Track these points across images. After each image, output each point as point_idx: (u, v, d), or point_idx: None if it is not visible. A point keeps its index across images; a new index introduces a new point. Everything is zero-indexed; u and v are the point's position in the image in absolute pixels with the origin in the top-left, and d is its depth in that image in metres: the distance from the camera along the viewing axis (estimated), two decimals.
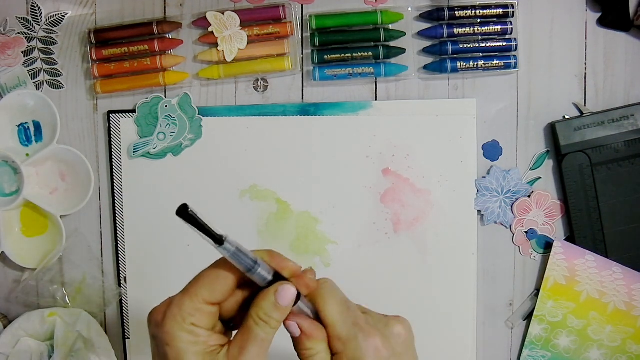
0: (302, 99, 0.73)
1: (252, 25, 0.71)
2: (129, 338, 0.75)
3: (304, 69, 0.73)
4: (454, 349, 0.74)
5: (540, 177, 0.73)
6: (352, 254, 0.73)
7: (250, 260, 0.40)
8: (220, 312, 0.43)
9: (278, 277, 0.41)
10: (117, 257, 0.74)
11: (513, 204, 0.72)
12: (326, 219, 0.73)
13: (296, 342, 0.42)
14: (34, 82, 0.74)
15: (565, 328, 0.72)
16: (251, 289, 0.42)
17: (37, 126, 0.74)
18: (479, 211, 0.73)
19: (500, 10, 0.71)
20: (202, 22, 0.72)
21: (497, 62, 0.71)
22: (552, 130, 0.71)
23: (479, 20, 0.71)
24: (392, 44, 0.72)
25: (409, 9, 0.72)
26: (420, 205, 0.73)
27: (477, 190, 0.72)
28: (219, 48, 0.71)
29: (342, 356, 0.42)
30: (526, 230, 0.73)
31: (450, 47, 0.71)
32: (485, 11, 0.71)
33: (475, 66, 0.71)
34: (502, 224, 0.73)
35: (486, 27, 0.71)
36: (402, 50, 0.71)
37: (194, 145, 0.73)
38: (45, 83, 0.74)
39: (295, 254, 0.73)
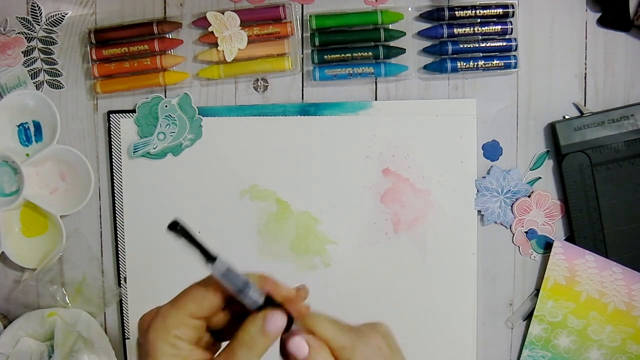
0: (302, 99, 0.73)
1: (252, 25, 0.71)
2: (129, 338, 0.75)
3: (304, 69, 0.73)
4: (454, 349, 0.74)
5: (540, 177, 0.73)
6: (352, 254, 0.73)
7: (241, 281, 0.39)
8: (209, 323, 0.42)
9: (269, 302, 0.40)
10: (117, 257, 0.74)
11: (513, 204, 0.72)
12: (326, 219, 0.73)
13: None
14: (34, 82, 0.74)
15: (565, 328, 0.72)
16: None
17: (37, 126, 0.74)
18: (479, 211, 0.73)
19: (500, 10, 0.71)
20: (202, 22, 0.72)
21: (497, 62, 0.71)
22: (552, 130, 0.71)
23: (479, 20, 0.71)
24: (392, 44, 0.72)
25: (409, 9, 0.72)
26: (420, 205, 0.73)
27: (477, 190, 0.72)
28: (219, 48, 0.71)
29: None
30: (526, 230, 0.73)
31: (450, 47, 0.71)
32: (485, 11, 0.71)
33: (475, 66, 0.71)
34: (502, 224, 0.73)
35: (486, 27, 0.71)
36: (402, 50, 0.71)
37: (194, 145, 0.73)
38: (45, 83, 0.74)
39: (295, 254, 0.73)
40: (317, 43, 0.71)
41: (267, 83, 0.73)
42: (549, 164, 0.73)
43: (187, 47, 0.73)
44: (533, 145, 0.73)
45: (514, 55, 0.71)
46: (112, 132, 0.73)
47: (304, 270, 0.74)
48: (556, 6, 0.72)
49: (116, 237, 0.74)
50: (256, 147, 0.73)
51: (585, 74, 0.72)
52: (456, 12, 0.70)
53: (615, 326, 0.71)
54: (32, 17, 0.73)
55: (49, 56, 0.74)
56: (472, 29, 0.71)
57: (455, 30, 0.71)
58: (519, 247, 0.73)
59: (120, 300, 0.75)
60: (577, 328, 0.72)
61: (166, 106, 0.72)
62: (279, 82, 0.73)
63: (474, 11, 0.71)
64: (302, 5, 0.72)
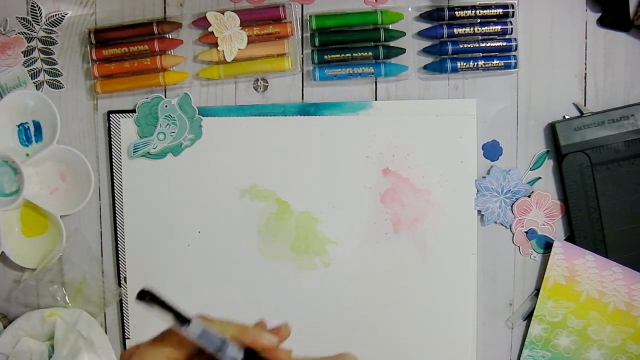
0: (302, 99, 0.73)
1: (252, 25, 0.71)
2: (129, 338, 0.75)
3: (304, 69, 0.73)
4: (454, 349, 0.74)
5: (540, 177, 0.73)
6: (352, 254, 0.73)
7: (219, 340, 0.39)
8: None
9: (249, 356, 0.40)
10: (117, 257, 0.74)
11: (513, 204, 0.72)
12: (326, 219, 0.73)
13: None
14: (34, 82, 0.74)
15: (565, 328, 0.72)
16: None
17: (37, 126, 0.74)
18: (479, 211, 0.73)
19: (500, 10, 0.71)
20: (202, 22, 0.72)
21: (497, 62, 0.71)
22: (552, 130, 0.71)
23: (479, 20, 0.71)
24: (392, 44, 0.72)
25: (409, 9, 0.72)
26: (420, 205, 0.73)
27: (477, 190, 0.72)
28: (219, 48, 0.71)
29: None
30: (526, 230, 0.73)
31: (450, 47, 0.71)
32: (485, 11, 0.71)
33: (475, 66, 0.71)
34: (502, 224, 0.73)
35: (486, 27, 0.71)
36: (402, 50, 0.71)
37: (194, 145, 0.73)
38: (45, 83, 0.74)
39: (295, 254, 0.73)
40: (317, 43, 0.71)
41: (267, 83, 0.73)
42: (549, 164, 0.73)
43: (187, 47, 0.73)
44: (533, 145, 0.73)
45: (514, 55, 0.71)
46: (112, 132, 0.73)
47: (304, 270, 0.74)
48: (556, 6, 0.72)
49: (116, 237, 0.74)
50: (256, 147, 0.73)
51: (585, 74, 0.72)
52: (456, 12, 0.70)
53: (615, 326, 0.71)
54: (32, 17, 0.73)
55: (49, 56, 0.74)
56: (472, 29, 0.71)
57: (455, 30, 0.71)
58: (519, 247, 0.73)
59: (120, 300, 0.75)
60: (577, 328, 0.72)
61: (166, 106, 0.72)
62: (279, 82, 0.73)
63: (474, 11, 0.71)
64: (302, 5, 0.72)
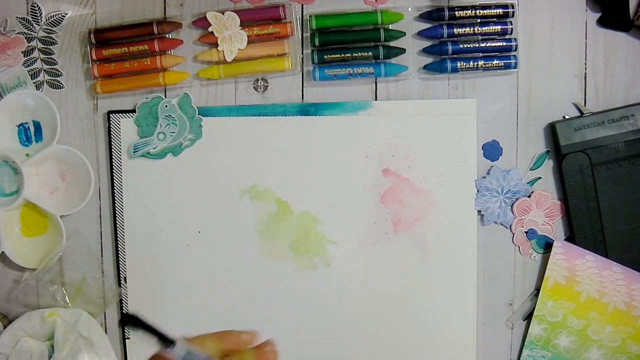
0: (302, 99, 0.73)
1: (252, 25, 0.71)
2: (129, 338, 0.75)
3: (304, 69, 0.73)
4: (454, 349, 0.74)
5: (540, 177, 0.73)
6: (352, 254, 0.73)
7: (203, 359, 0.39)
8: None
9: None
10: (117, 257, 0.74)
11: (513, 204, 0.72)
12: (326, 219, 0.73)
13: None
14: (34, 82, 0.74)
15: (565, 328, 0.72)
16: None
17: (37, 126, 0.74)
18: (479, 211, 0.73)
19: (500, 10, 0.71)
20: (202, 22, 0.72)
21: (497, 62, 0.71)
22: (552, 130, 0.71)
23: (479, 20, 0.71)
24: (392, 44, 0.72)
25: (409, 9, 0.72)
26: (420, 205, 0.73)
27: (477, 190, 0.72)
28: (219, 48, 0.71)
29: None
30: (526, 230, 0.73)
31: (450, 47, 0.71)
32: (485, 11, 0.71)
33: (475, 66, 0.71)
34: (502, 224, 0.73)
35: (486, 27, 0.71)
36: (402, 50, 0.71)
37: (194, 145, 0.73)
38: (45, 83, 0.74)
39: (295, 254, 0.73)
40: (317, 43, 0.71)
41: (267, 83, 0.73)
42: (549, 164, 0.73)
43: (187, 47, 0.73)
44: (533, 145, 0.73)
45: (514, 55, 0.71)
46: (112, 132, 0.73)
47: (304, 270, 0.74)
48: (556, 6, 0.72)
49: (116, 237, 0.74)
50: (256, 147, 0.73)
51: (585, 74, 0.72)
52: (456, 12, 0.70)
53: (615, 326, 0.71)
54: (32, 17, 0.73)
55: (49, 56, 0.74)
56: (472, 29, 0.71)
57: (455, 30, 0.71)
58: (519, 247, 0.73)
59: (120, 300, 0.75)
60: (577, 328, 0.72)
61: (166, 106, 0.72)
62: (279, 82, 0.73)
63: (474, 11, 0.71)
64: (302, 5, 0.72)
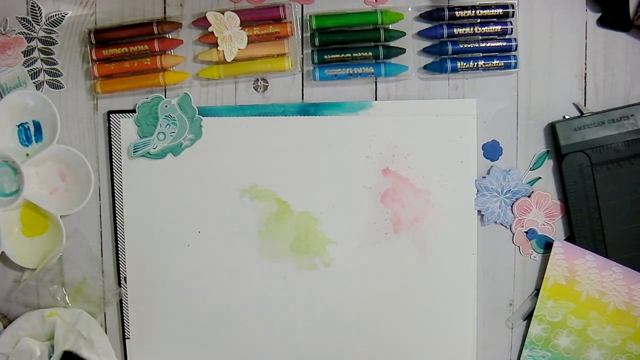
0: (302, 99, 0.73)
1: (252, 25, 0.71)
2: (129, 338, 0.75)
3: (304, 69, 0.73)
4: (454, 349, 0.74)
5: (540, 177, 0.73)
6: (352, 254, 0.73)
7: None
8: None
9: None
10: (117, 257, 0.74)
11: (513, 204, 0.72)
12: (326, 219, 0.73)
13: None
14: (34, 82, 0.74)
15: (565, 328, 0.72)
16: None
17: (37, 126, 0.74)
18: (479, 211, 0.73)
19: (500, 10, 0.71)
20: (202, 22, 0.72)
21: (497, 62, 0.71)
22: (552, 130, 0.71)
23: (479, 20, 0.71)
24: (392, 44, 0.72)
25: (409, 9, 0.72)
26: (420, 205, 0.73)
27: (477, 190, 0.72)
28: (219, 48, 0.71)
29: None
30: (526, 230, 0.73)
31: (450, 47, 0.71)
32: (485, 11, 0.71)
33: (475, 66, 0.71)
34: (502, 224, 0.73)
35: (486, 27, 0.71)
36: (402, 50, 0.71)
37: (194, 145, 0.73)
38: (45, 83, 0.74)
39: (295, 254, 0.73)
40: (317, 43, 0.71)
41: (267, 83, 0.74)
42: (549, 164, 0.73)
43: (187, 47, 0.73)
44: (533, 145, 0.73)
45: (514, 55, 0.71)
46: (112, 132, 0.74)
47: (304, 270, 0.74)
48: (556, 6, 0.72)
49: (116, 237, 0.74)
50: (256, 147, 0.73)
51: (585, 74, 0.72)
52: (456, 12, 0.70)
53: (615, 326, 0.71)
54: (32, 17, 0.73)
55: (49, 56, 0.74)
56: (472, 29, 0.71)
57: (455, 30, 0.71)
58: (519, 247, 0.73)
59: (120, 300, 0.75)
60: (577, 328, 0.72)
61: (166, 106, 0.72)
62: (279, 82, 0.73)
63: (474, 11, 0.71)
64: (302, 5, 0.72)
